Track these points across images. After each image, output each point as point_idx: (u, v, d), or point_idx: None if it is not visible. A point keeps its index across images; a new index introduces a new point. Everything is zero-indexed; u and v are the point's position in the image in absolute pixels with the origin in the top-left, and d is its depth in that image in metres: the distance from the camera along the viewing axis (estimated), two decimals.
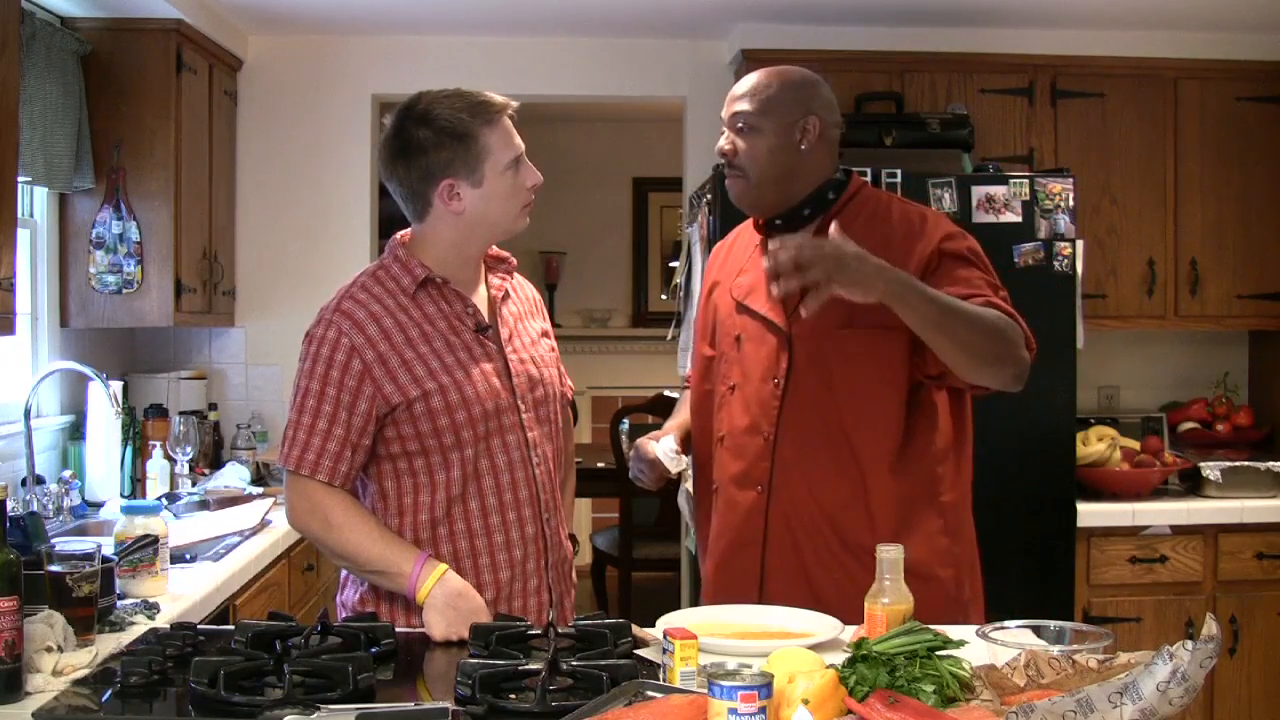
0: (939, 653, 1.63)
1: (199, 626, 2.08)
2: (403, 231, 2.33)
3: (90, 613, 2.00)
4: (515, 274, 2.43)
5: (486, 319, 2.29)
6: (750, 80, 2.44)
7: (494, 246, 2.37)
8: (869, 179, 3.77)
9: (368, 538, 2.17)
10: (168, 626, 2.08)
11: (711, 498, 2.54)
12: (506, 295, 2.36)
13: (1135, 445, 4.24)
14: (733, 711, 1.41)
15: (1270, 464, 4.13)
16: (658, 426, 6.04)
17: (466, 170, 2.21)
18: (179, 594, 2.60)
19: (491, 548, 2.22)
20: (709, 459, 2.54)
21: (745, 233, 2.60)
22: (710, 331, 2.57)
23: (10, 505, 2.66)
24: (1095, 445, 4.14)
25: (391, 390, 2.17)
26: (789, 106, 2.39)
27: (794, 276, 2.06)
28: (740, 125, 2.41)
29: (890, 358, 2.32)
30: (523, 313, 2.39)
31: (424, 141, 2.21)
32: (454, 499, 2.20)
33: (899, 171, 3.68)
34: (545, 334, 2.43)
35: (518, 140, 2.26)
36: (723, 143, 2.44)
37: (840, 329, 2.33)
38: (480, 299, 2.31)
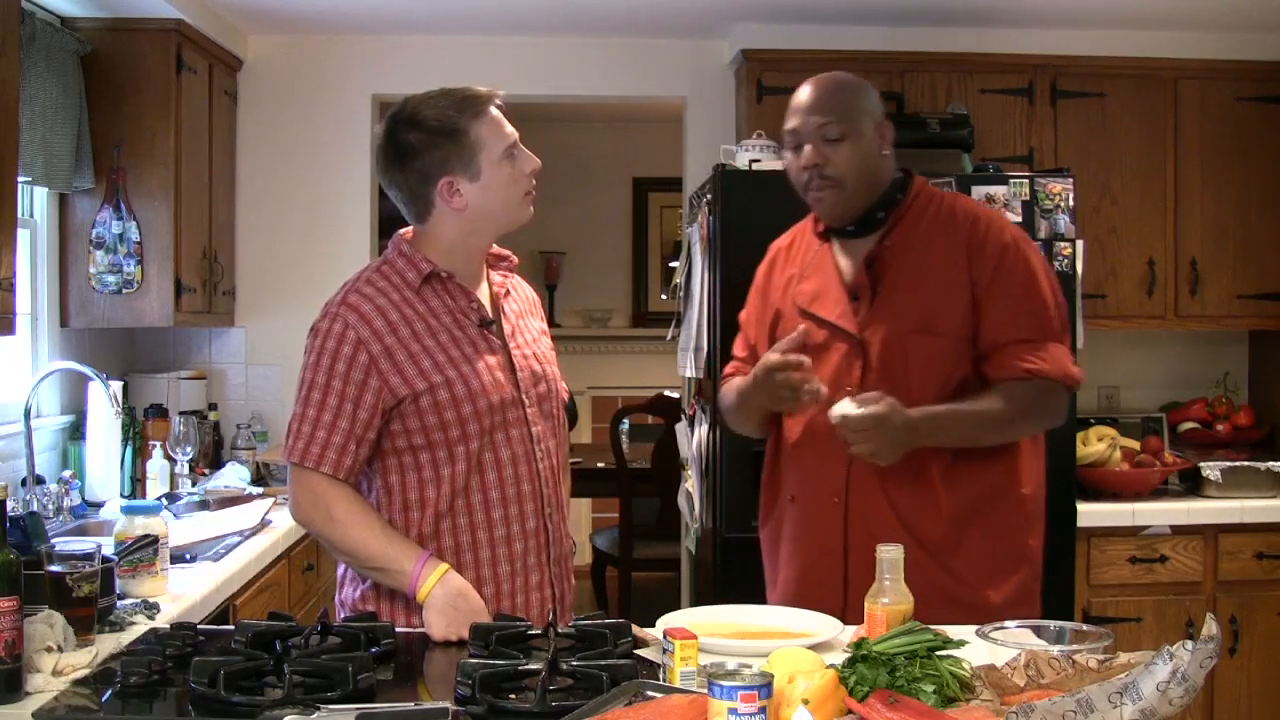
0: (939, 653, 1.63)
1: (199, 626, 2.08)
2: (406, 228, 2.34)
3: (90, 613, 2.00)
4: (515, 274, 2.44)
5: (490, 315, 2.30)
6: (818, 91, 2.41)
7: (495, 245, 2.38)
8: None
9: (370, 534, 2.17)
10: (168, 626, 2.08)
11: (779, 501, 2.51)
12: (508, 293, 2.37)
13: (1135, 445, 4.24)
14: (733, 711, 1.41)
15: (1270, 464, 4.13)
16: (658, 427, 6.06)
17: (462, 166, 2.21)
18: (179, 594, 2.60)
19: (492, 541, 2.22)
20: (776, 462, 2.52)
21: (803, 235, 2.57)
22: (769, 333, 2.54)
23: (10, 505, 2.66)
24: (1095, 445, 4.14)
25: (398, 383, 2.17)
26: (868, 111, 2.41)
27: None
28: (830, 135, 2.37)
29: (958, 360, 2.35)
30: (523, 311, 2.40)
31: (416, 144, 2.21)
32: (458, 492, 2.20)
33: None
34: (544, 333, 2.44)
35: (509, 129, 2.26)
36: (809, 156, 2.39)
37: (914, 333, 2.35)
38: (483, 295, 2.32)
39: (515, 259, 2.43)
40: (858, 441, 2.25)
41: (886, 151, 2.41)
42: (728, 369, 2.71)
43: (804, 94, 2.43)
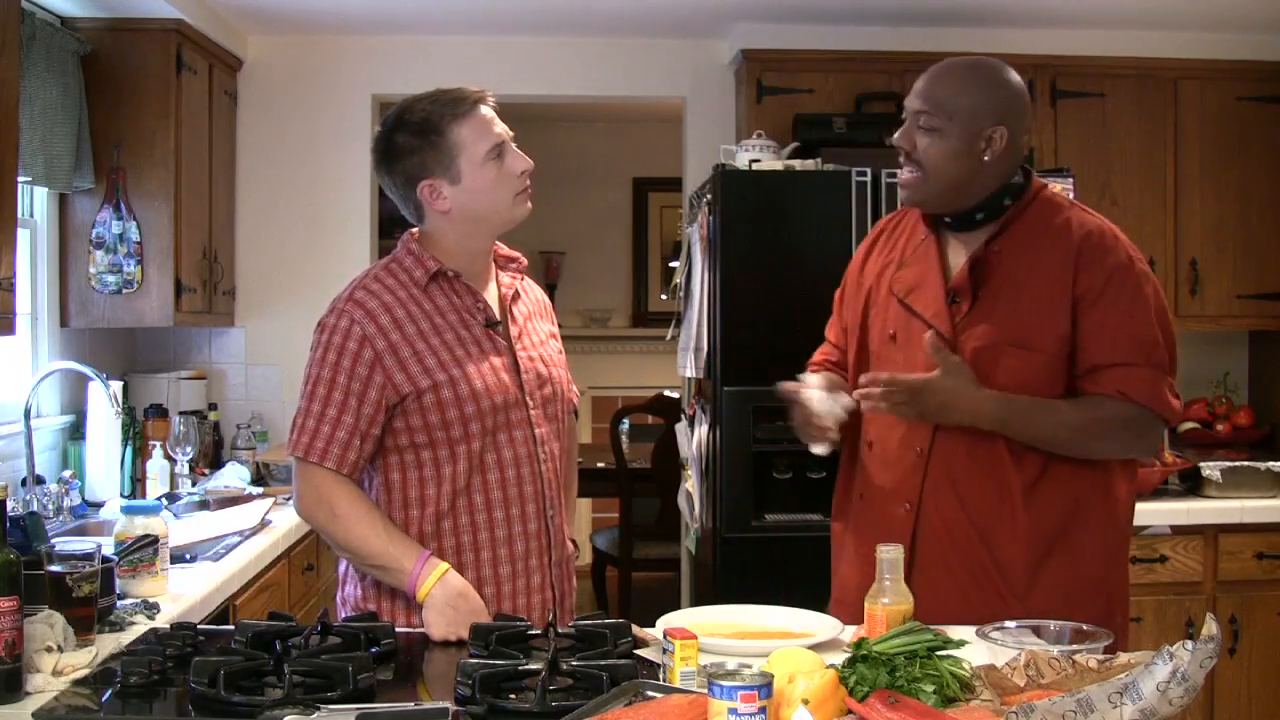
0: (939, 653, 1.63)
1: (199, 626, 2.08)
2: (414, 228, 2.34)
3: (90, 613, 2.00)
4: (525, 276, 2.43)
5: (497, 315, 2.30)
6: (936, 76, 2.30)
7: (504, 246, 2.38)
8: (868, 179, 3.78)
9: (371, 531, 2.17)
10: (168, 626, 2.08)
11: (851, 498, 2.44)
12: (517, 295, 2.37)
13: None
14: (733, 711, 1.41)
15: (1270, 464, 4.13)
16: (658, 427, 6.06)
17: (441, 169, 2.22)
18: (179, 594, 2.60)
19: (493, 541, 2.22)
20: (852, 459, 2.44)
21: (908, 219, 2.45)
22: (861, 316, 2.44)
23: (10, 505, 2.66)
24: None
25: (402, 380, 2.18)
26: (979, 114, 2.26)
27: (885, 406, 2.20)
28: (924, 124, 2.27)
29: (1052, 378, 2.25)
30: (532, 313, 2.40)
31: (400, 146, 2.23)
32: (459, 492, 2.21)
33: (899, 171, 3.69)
34: (554, 336, 2.43)
35: (498, 129, 2.24)
36: (899, 137, 2.31)
37: (1008, 345, 2.24)
38: (491, 295, 2.32)
39: (524, 260, 2.43)
40: (889, 401, 2.20)
41: (988, 158, 2.27)
42: (816, 355, 2.58)
43: (929, 72, 2.32)
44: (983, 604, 2.21)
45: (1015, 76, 2.33)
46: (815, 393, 2.30)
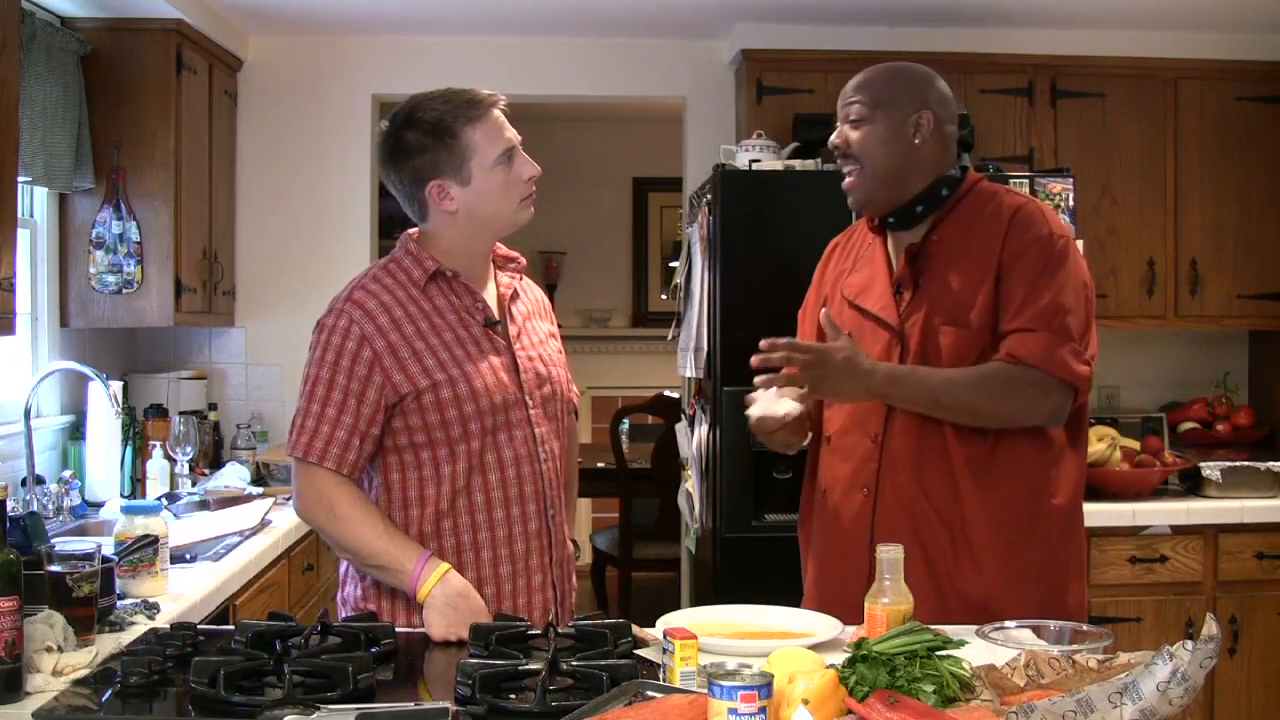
0: (939, 653, 1.63)
1: (199, 626, 2.08)
2: (414, 228, 2.34)
3: (90, 613, 2.00)
4: (524, 276, 2.44)
5: (495, 315, 2.30)
6: (863, 74, 2.42)
7: (503, 246, 2.38)
8: None
9: (372, 531, 2.17)
10: (168, 626, 2.08)
11: (816, 496, 2.49)
12: (516, 294, 2.37)
13: (1135, 445, 4.24)
14: (733, 711, 1.41)
15: (1270, 464, 4.13)
16: (658, 427, 6.06)
17: (452, 170, 2.22)
18: (179, 594, 2.60)
19: (494, 541, 2.22)
20: (816, 460, 2.50)
21: (860, 231, 2.55)
22: (817, 324, 2.51)
23: (10, 505, 2.66)
24: (1095, 445, 4.13)
25: (401, 380, 2.18)
26: (901, 100, 2.37)
27: (781, 376, 2.24)
28: (853, 117, 2.38)
29: (985, 353, 2.29)
30: (531, 312, 2.40)
31: (411, 144, 2.23)
32: (459, 491, 2.21)
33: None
34: (553, 335, 2.44)
35: (509, 134, 2.26)
36: (833, 138, 2.41)
37: (946, 325, 2.30)
38: (490, 295, 2.33)
39: (523, 260, 2.43)
40: (799, 367, 2.24)
41: (919, 141, 2.35)
42: None
43: (853, 79, 2.44)
44: (943, 584, 2.27)
45: (940, 79, 2.43)
46: (759, 394, 2.36)
